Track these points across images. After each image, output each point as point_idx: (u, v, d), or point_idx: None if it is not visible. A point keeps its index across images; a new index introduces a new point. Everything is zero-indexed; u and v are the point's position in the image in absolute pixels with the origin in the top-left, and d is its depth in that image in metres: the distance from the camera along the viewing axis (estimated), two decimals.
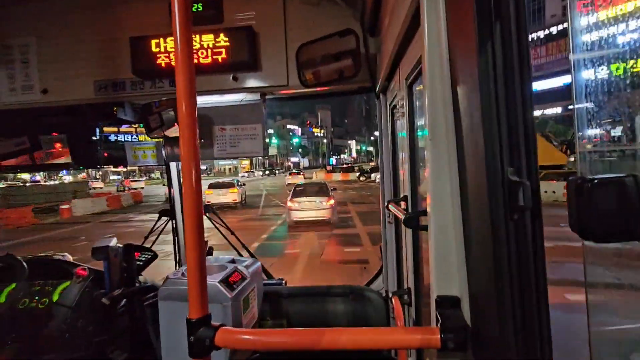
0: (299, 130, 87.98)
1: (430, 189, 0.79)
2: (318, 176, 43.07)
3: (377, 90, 2.03)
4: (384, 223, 2.17)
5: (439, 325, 0.72)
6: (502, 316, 0.61)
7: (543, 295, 0.61)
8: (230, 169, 69.54)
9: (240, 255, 2.50)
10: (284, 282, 2.47)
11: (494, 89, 0.60)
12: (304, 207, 12.98)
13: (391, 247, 2.07)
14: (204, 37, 1.95)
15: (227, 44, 1.96)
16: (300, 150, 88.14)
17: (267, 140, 2.25)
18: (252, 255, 2.51)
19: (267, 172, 61.50)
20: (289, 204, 13.29)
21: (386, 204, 1.65)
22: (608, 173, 0.52)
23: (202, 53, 1.95)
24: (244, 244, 2.74)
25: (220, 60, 1.96)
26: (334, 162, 74.72)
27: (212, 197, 18.79)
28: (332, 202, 13.26)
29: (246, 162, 72.07)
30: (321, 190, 13.69)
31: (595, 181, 0.49)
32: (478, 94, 0.62)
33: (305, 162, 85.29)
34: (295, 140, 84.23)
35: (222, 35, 1.95)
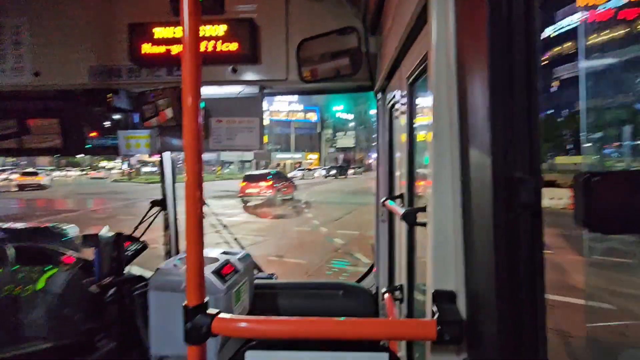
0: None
1: (432, 185, 0.80)
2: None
3: (375, 89, 2.05)
4: (377, 221, 2.19)
5: (435, 318, 0.74)
6: (499, 312, 0.63)
7: (540, 292, 0.62)
8: (292, 164, 51.63)
9: (232, 248, 2.50)
10: (274, 276, 2.48)
11: (502, 87, 0.62)
12: None
13: (384, 244, 2.10)
14: (205, 28, 1.93)
15: (228, 35, 1.95)
16: None
17: (264, 133, 2.23)
18: (243, 248, 2.51)
19: (332, 171, 38.25)
20: None
21: (382, 201, 1.68)
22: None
23: (203, 43, 1.93)
24: (235, 237, 2.73)
25: (220, 51, 1.95)
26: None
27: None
28: None
29: (313, 156, 54.49)
30: None
31: (603, 175, 0.51)
32: (487, 91, 0.63)
33: None
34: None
35: (222, 26, 1.94)
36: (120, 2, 2.05)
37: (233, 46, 1.95)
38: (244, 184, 17.75)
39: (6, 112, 2.30)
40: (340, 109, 58.49)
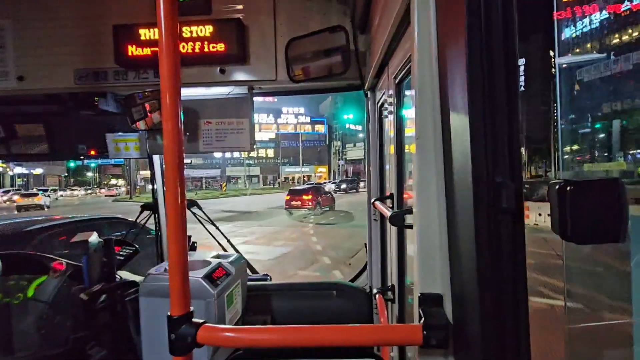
0: None
1: (416, 188, 0.79)
2: None
3: (365, 88, 2.04)
4: (369, 220, 2.18)
5: (421, 322, 0.73)
6: (483, 314, 0.63)
7: (522, 294, 0.62)
8: (301, 177, 49.21)
9: (225, 251, 2.48)
10: (268, 277, 2.47)
11: (482, 90, 0.61)
12: None
13: (376, 244, 2.09)
14: (191, 28, 1.90)
15: (215, 35, 1.92)
16: None
17: (254, 134, 2.22)
18: (236, 250, 2.49)
19: (342, 185, 36.38)
20: None
21: (372, 201, 1.66)
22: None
23: (189, 44, 1.91)
24: (228, 239, 2.71)
25: (207, 52, 1.93)
26: None
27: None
28: None
29: (323, 170, 51.44)
30: None
31: (577, 184, 0.50)
32: (466, 95, 0.63)
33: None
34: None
35: (209, 26, 1.91)
36: (105, 3, 2.01)
37: (220, 47, 1.92)
38: (288, 197, 20.06)
39: None
40: (350, 118, 54.49)
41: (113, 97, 2.20)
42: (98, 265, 2.01)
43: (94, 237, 2.00)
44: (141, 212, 2.64)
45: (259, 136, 52.66)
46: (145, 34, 1.93)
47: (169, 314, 0.85)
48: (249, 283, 2.21)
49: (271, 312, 2.22)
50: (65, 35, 2.03)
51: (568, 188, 0.50)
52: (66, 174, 52.39)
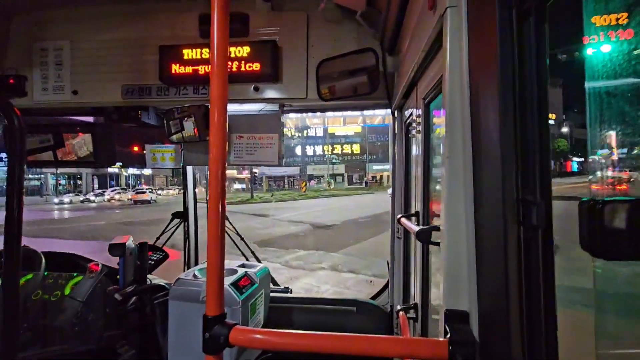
0: None
1: (444, 205, 0.82)
2: None
3: (393, 107, 2.09)
4: (392, 238, 2.19)
5: (447, 337, 0.74)
6: (510, 333, 0.63)
7: (551, 314, 0.62)
8: (390, 177, 45.96)
9: (248, 260, 2.54)
10: (289, 290, 2.50)
11: (513, 112, 0.64)
12: None
13: (399, 262, 2.09)
14: (230, 49, 2.04)
15: (252, 56, 2.05)
16: None
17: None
18: (259, 261, 2.54)
19: None
20: None
21: (397, 218, 1.68)
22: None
23: (227, 63, 2.04)
24: (252, 250, 2.77)
25: (243, 70, 2.05)
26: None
27: None
28: None
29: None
30: None
31: (606, 202, 0.52)
32: (497, 117, 0.66)
33: None
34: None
35: (247, 47, 2.05)
36: (151, 26, 2.19)
37: (256, 66, 2.04)
38: None
39: (44, 127, 2.47)
40: None
41: (154, 111, 2.36)
42: (132, 267, 2.12)
43: (130, 241, 2.12)
44: (171, 220, 2.76)
45: (342, 130, 49.24)
46: (187, 53, 2.08)
47: (204, 313, 0.90)
48: (271, 294, 2.25)
49: (291, 325, 2.24)
50: (116, 55, 2.22)
51: (597, 207, 0.52)
52: (172, 175, 56.12)
